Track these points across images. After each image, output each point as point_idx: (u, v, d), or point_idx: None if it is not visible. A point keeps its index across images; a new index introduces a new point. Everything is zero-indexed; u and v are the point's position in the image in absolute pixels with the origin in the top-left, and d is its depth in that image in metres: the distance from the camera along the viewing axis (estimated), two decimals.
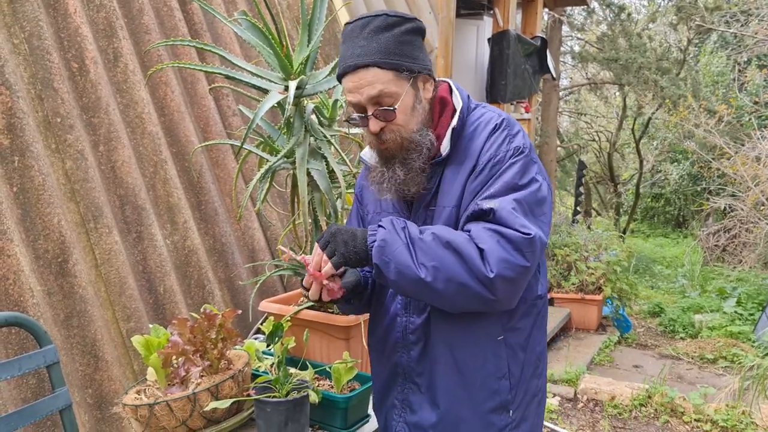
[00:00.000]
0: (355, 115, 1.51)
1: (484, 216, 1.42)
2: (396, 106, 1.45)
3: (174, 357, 1.93)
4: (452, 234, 1.41)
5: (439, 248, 1.39)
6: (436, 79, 1.58)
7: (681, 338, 6.30)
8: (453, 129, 1.52)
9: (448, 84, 1.62)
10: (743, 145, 8.04)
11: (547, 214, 1.50)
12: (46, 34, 2.63)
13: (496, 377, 1.54)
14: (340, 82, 1.51)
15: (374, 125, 1.48)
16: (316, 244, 1.51)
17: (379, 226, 1.45)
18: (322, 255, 1.49)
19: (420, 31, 1.50)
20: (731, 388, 4.46)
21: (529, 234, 1.39)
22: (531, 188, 1.46)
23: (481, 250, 1.39)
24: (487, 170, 1.47)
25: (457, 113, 1.54)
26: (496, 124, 1.52)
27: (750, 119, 9.05)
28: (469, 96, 1.61)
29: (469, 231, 1.43)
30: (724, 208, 9.07)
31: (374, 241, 1.43)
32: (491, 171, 1.47)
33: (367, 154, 1.62)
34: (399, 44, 1.45)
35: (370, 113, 1.48)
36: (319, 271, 1.50)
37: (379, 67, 1.43)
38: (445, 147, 1.52)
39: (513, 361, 1.56)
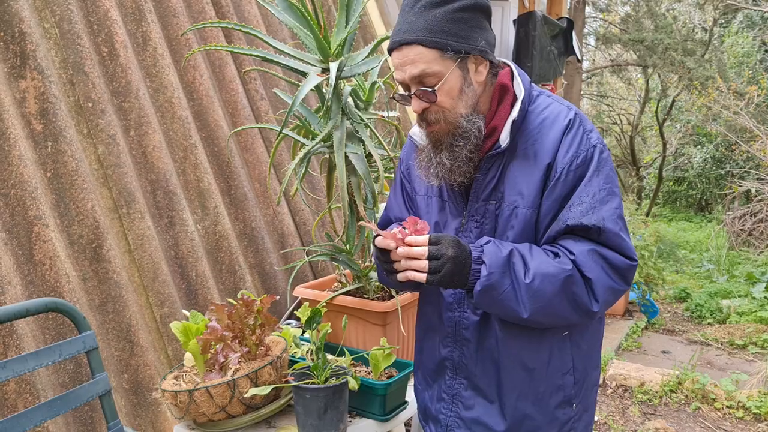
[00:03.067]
0: (399, 93, 1.46)
1: (589, 233, 1.38)
2: (437, 87, 1.38)
3: (212, 343, 1.92)
4: (559, 271, 1.35)
5: (548, 292, 1.35)
6: (495, 60, 1.48)
7: (709, 324, 6.21)
8: (513, 122, 1.43)
9: (510, 69, 1.51)
10: None
11: None
12: (76, 18, 2.61)
13: (561, 373, 1.50)
14: (390, 55, 1.44)
15: (416, 105, 1.42)
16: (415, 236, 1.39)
17: (482, 261, 1.36)
18: (422, 249, 1.37)
19: (478, 7, 1.39)
20: (763, 374, 4.39)
21: (634, 261, 1.39)
22: (619, 193, 1.42)
23: (587, 279, 1.37)
24: (572, 174, 1.40)
25: (518, 104, 1.44)
26: (570, 120, 1.43)
27: None
28: (531, 82, 1.52)
29: (572, 253, 1.38)
30: (749, 191, 8.92)
31: (477, 280, 1.37)
32: (576, 174, 1.40)
33: (417, 132, 1.55)
34: (448, 22, 1.36)
35: (412, 92, 1.41)
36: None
37: (422, 45, 1.35)
38: (504, 139, 1.44)
39: (577, 356, 1.52)
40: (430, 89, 1.38)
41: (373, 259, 1.76)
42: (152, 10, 2.95)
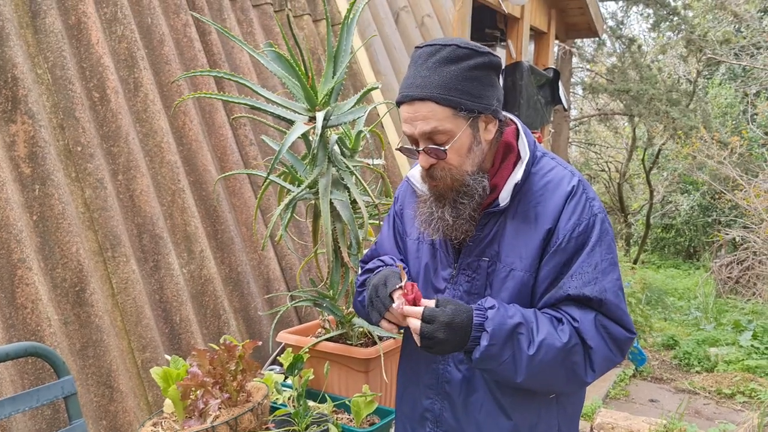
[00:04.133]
0: (407, 146, 1.44)
1: (590, 303, 1.38)
2: (448, 146, 1.37)
3: (193, 389, 1.90)
4: (563, 344, 1.34)
5: (549, 363, 1.34)
6: (502, 118, 1.48)
7: (696, 372, 6.19)
8: (516, 184, 1.43)
9: (516, 126, 1.50)
10: (756, 176, 8.02)
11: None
12: (69, 64, 2.66)
13: None
14: (398, 107, 1.43)
15: (424, 161, 1.41)
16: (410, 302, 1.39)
17: (483, 329, 1.34)
18: (416, 313, 1.37)
19: (492, 66, 1.39)
20: (750, 424, 4.36)
21: (633, 334, 1.40)
22: (618, 264, 1.43)
23: (588, 348, 1.37)
24: (573, 242, 1.39)
25: (522, 166, 1.44)
26: (574, 186, 1.43)
27: (762, 152, 9.03)
28: (535, 142, 1.51)
29: (576, 320, 1.38)
30: (736, 239, 9.02)
31: (476, 346, 1.35)
32: (577, 242, 1.40)
33: (417, 177, 1.53)
34: (463, 80, 1.35)
35: (421, 148, 1.40)
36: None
37: (436, 103, 1.34)
38: (504, 198, 1.43)
39: (563, 419, 1.52)
40: (441, 147, 1.37)
41: (357, 285, 1.73)
42: (145, 57, 3.01)
